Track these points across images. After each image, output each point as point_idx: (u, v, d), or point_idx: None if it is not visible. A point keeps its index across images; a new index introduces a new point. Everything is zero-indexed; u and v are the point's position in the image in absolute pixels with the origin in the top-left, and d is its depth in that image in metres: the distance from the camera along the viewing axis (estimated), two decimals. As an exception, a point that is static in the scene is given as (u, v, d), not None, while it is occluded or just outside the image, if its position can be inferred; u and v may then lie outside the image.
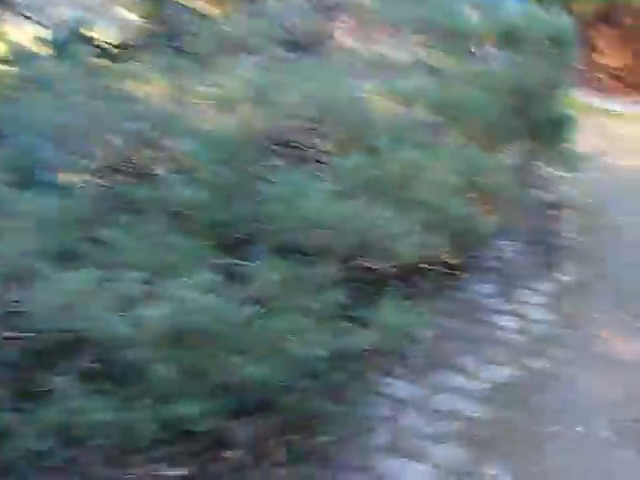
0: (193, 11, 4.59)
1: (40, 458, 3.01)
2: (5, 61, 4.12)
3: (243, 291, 3.09)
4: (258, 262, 3.23)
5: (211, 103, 3.51)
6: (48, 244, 3.12)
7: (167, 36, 4.37)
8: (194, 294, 2.72)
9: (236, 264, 3.24)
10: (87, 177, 3.52)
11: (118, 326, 2.83)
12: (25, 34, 4.51)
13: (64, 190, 3.39)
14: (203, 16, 4.51)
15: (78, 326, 2.92)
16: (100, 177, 3.52)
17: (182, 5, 4.59)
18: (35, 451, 2.99)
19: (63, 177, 3.54)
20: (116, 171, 3.54)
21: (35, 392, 3.06)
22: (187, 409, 2.87)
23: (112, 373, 3.06)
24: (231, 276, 3.13)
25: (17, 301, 2.92)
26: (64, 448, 3.04)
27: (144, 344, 2.84)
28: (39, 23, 4.57)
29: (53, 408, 2.98)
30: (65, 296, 2.87)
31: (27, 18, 4.67)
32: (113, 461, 3.11)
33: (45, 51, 4.17)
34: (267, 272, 3.15)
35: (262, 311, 3.07)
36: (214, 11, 4.68)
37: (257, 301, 3.09)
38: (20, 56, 4.07)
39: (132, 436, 2.95)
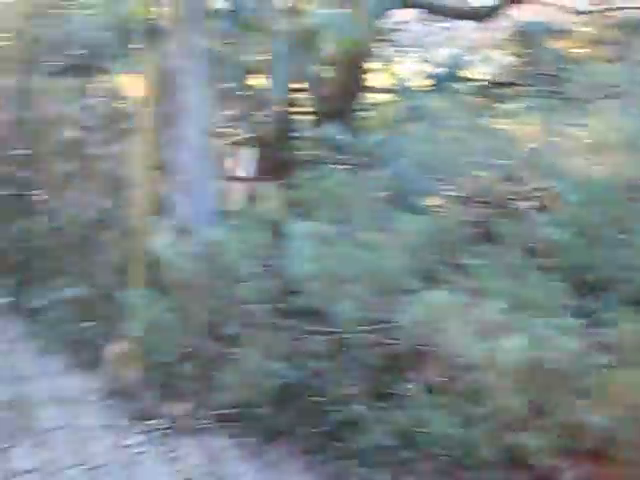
0: (562, 53, 4.45)
1: (382, 453, 3.11)
2: (391, 92, 4.33)
3: (595, 336, 2.91)
4: (610, 309, 3.01)
5: (580, 146, 3.34)
6: (415, 263, 3.20)
7: (537, 77, 4.27)
8: (557, 334, 2.61)
9: (588, 308, 3.05)
10: (451, 205, 3.56)
11: (474, 349, 2.81)
12: (407, 69, 4.71)
13: (430, 215, 3.47)
14: (571, 59, 4.35)
15: (435, 341, 2.97)
16: (463, 206, 3.54)
17: (551, 48, 4.47)
18: (380, 445, 3.11)
19: (429, 202, 3.62)
20: (478, 202, 3.53)
21: (387, 394, 3.17)
22: (530, 441, 2.77)
23: (458, 390, 3.06)
24: (582, 319, 2.96)
25: (387, 311, 3.04)
26: (404, 448, 3.11)
27: (496, 371, 2.78)
28: (421, 59, 4.74)
29: (402, 412, 3.06)
30: (429, 313, 2.92)
31: (410, 54, 4.87)
32: (443, 472, 3.11)
33: (425, 85, 4.32)
34: (621, 321, 2.93)
35: (612, 360, 2.87)
36: (583, 54, 4.50)
37: (608, 349, 2.89)
38: (404, 89, 4.24)
39: (469, 454, 2.92)
